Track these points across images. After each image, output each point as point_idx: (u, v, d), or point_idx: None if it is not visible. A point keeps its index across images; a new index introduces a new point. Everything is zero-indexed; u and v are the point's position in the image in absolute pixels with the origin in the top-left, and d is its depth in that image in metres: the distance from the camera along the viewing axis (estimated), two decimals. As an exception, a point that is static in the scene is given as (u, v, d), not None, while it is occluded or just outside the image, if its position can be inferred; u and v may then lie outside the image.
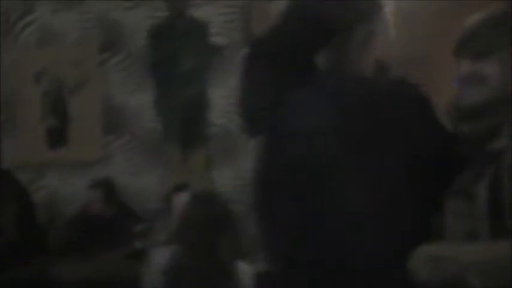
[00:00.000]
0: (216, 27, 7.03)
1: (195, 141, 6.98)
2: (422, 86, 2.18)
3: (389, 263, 2.08)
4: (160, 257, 4.18)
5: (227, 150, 6.81)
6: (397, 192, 2.09)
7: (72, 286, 5.58)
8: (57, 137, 7.15)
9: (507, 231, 1.99)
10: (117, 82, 7.24)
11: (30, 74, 7.14)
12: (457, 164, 2.16)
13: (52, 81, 7.19)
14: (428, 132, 2.14)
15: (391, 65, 2.31)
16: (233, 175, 6.68)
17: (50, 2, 7.21)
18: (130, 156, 7.18)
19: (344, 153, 2.09)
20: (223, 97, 6.81)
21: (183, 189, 5.79)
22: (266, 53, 2.35)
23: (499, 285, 1.96)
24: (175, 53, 6.93)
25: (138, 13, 7.21)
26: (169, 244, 4.36)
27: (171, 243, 4.27)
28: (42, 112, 7.19)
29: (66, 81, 7.17)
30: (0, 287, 5.38)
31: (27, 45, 7.20)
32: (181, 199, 5.38)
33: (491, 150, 2.09)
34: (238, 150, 6.61)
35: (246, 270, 4.05)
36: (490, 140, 2.11)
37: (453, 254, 2.04)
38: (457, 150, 2.18)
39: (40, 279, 5.59)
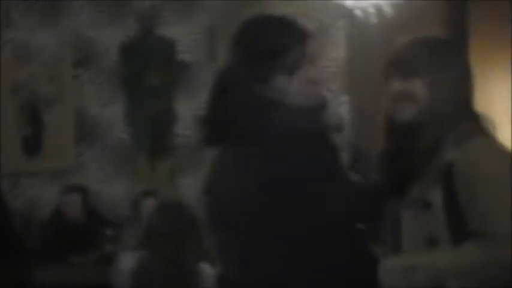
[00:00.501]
0: (183, 45, 7.11)
1: (162, 152, 7.07)
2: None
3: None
4: (128, 261, 4.13)
5: (192, 160, 6.82)
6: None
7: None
8: (32, 146, 7.13)
9: (467, 235, 2.07)
10: (90, 95, 7.27)
11: (8, 87, 7.10)
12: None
13: (29, 94, 7.18)
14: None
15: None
16: (197, 184, 6.68)
17: (28, 20, 7.22)
18: (101, 165, 7.20)
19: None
20: (189, 110, 6.88)
21: (150, 196, 5.83)
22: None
23: (475, 286, 2.03)
24: (144, 69, 7.01)
25: (110, 31, 7.25)
26: (137, 249, 4.28)
27: (139, 248, 4.20)
28: (18, 123, 7.16)
29: (42, 94, 7.17)
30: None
31: (6, 60, 7.15)
32: (149, 206, 5.40)
33: (441, 162, 2.13)
34: (202, 160, 6.65)
35: (208, 272, 3.96)
36: (436, 152, 2.14)
37: (428, 261, 2.08)
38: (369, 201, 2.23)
39: (14, 283, 5.43)
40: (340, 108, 6.69)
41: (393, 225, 2.22)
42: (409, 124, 2.19)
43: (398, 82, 2.21)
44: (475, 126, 2.20)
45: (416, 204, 2.16)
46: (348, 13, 5.89)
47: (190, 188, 6.50)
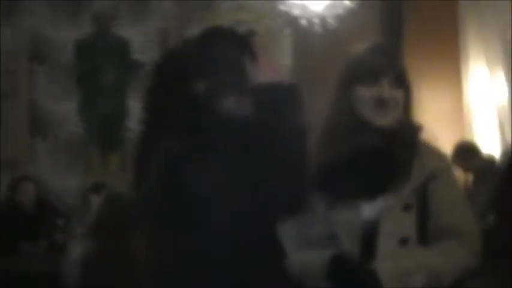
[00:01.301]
0: (136, 45, 7.07)
1: (112, 146, 7.01)
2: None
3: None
4: (77, 250, 4.11)
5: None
6: None
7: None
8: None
9: (433, 237, 2.14)
10: (44, 90, 7.20)
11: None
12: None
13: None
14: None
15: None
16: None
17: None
18: (54, 157, 7.14)
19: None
20: (139, 107, 6.84)
21: (99, 188, 5.81)
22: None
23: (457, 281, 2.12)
24: (98, 67, 6.95)
25: (66, 29, 7.20)
26: (86, 238, 4.27)
27: (88, 238, 4.18)
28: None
29: None
30: None
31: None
32: (98, 198, 5.38)
33: (425, 168, 2.16)
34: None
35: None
36: (412, 158, 2.17)
37: (419, 263, 2.11)
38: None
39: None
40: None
41: (368, 226, 2.18)
42: (389, 129, 2.19)
43: (386, 89, 2.19)
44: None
45: (396, 206, 2.16)
46: (295, 22, 5.95)
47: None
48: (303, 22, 5.75)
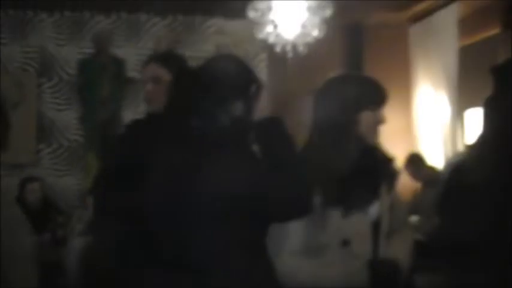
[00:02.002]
0: (131, 64, 7.06)
1: (108, 152, 7.01)
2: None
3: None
4: (77, 244, 4.15)
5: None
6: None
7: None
8: (-1, 143, 6.96)
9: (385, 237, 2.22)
10: (50, 101, 7.19)
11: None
12: None
13: (-2, 98, 6.99)
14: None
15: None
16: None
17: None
18: (56, 161, 7.14)
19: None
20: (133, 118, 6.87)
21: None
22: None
23: None
24: (96, 82, 6.95)
25: (69, 48, 7.20)
26: (85, 234, 4.28)
27: (87, 233, 4.21)
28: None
29: (9, 97, 7.02)
30: None
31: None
32: None
33: (388, 173, 2.25)
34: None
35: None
36: (376, 166, 2.24)
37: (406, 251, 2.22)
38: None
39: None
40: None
41: (373, 226, 2.21)
42: (375, 145, 2.27)
43: (378, 112, 2.23)
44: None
45: (386, 208, 2.24)
46: (270, 48, 5.97)
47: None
48: (277, 48, 5.76)
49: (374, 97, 2.21)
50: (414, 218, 5.29)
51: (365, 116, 2.19)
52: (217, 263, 1.93)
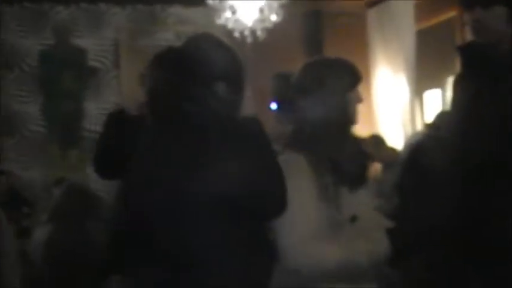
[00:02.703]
0: (93, 54, 7.02)
1: (71, 144, 6.96)
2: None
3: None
4: (41, 234, 4.05)
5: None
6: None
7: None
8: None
9: None
10: (12, 93, 7.06)
11: None
12: None
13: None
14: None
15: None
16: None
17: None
18: (20, 153, 7.03)
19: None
20: (96, 109, 6.84)
21: (60, 181, 5.73)
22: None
23: None
24: (59, 73, 6.89)
25: (30, 40, 7.09)
26: (48, 224, 4.24)
27: (49, 223, 4.16)
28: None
29: None
30: None
31: None
32: (59, 189, 5.31)
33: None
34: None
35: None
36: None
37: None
38: None
39: None
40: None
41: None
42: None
43: (357, 92, 2.27)
44: None
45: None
46: (229, 34, 5.95)
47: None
48: (236, 34, 5.75)
49: (353, 78, 2.24)
50: (376, 200, 5.30)
51: (349, 97, 2.22)
52: (211, 262, 1.91)
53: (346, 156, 2.17)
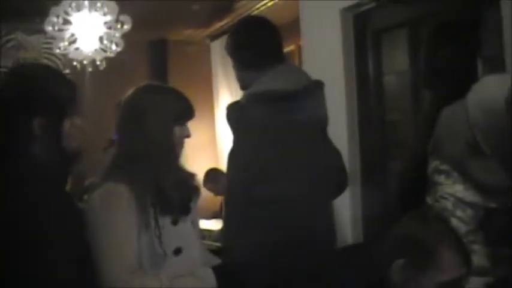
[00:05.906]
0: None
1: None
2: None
3: None
4: None
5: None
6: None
7: None
8: None
9: None
10: None
11: None
12: None
13: None
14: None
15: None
16: None
17: None
18: None
19: None
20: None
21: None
22: None
23: None
24: None
25: None
26: None
27: None
28: None
29: None
30: None
31: None
32: None
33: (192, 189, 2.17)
34: None
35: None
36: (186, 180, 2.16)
37: None
38: None
39: None
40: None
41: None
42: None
43: (186, 127, 2.21)
44: None
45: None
46: (70, 63, 5.61)
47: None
48: (75, 63, 5.40)
49: (186, 112, 2.12)
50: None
51: (177, 131, 2.08)
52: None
53: (169, 187, 2.03)
